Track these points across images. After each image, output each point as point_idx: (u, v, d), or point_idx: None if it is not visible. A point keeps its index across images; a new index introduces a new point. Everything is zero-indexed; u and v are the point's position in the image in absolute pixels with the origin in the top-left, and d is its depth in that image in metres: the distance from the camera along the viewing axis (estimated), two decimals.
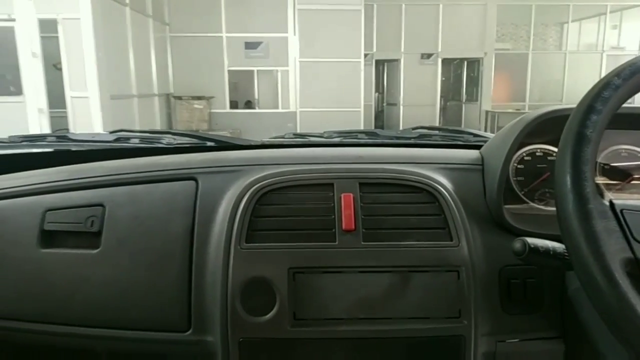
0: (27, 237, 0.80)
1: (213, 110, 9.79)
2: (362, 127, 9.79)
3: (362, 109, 9.87)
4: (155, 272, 0.76)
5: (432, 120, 11.77)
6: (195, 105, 9.57)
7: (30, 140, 1.18)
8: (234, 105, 10.18)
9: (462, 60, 12.61)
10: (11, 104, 6.13)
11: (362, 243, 0.74)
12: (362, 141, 1.18)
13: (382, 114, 12.71)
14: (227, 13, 9.60)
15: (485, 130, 11.59)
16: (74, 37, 6.54)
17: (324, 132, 1.29)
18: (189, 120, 9.52)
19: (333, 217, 0.75)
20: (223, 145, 1.09)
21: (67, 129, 7.17)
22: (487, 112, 11.82)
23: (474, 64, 12.45)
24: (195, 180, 0.80)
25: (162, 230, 0.78)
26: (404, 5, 11.36)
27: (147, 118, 8.59)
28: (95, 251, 0.78)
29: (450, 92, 13.22)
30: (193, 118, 9.54)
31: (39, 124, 5.87)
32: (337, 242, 0.74)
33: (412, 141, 1.19)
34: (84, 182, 0.84)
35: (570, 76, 12.23)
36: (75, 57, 6.62)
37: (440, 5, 11.39)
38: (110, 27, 7.09)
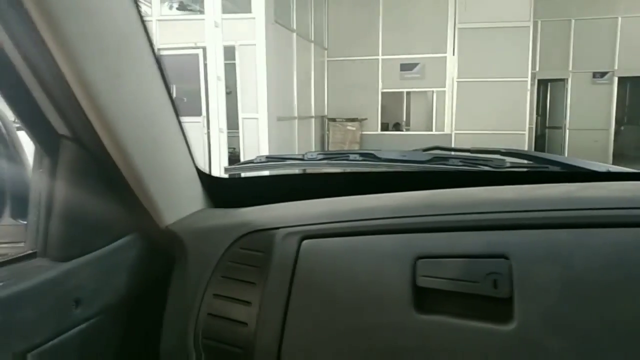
0: (396, 295, 0.60)
1: (364, 132, 9.81)
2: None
3: (526, 132, 9.11)
4: None
5: (606, 146, 10.43)
6: (348, 127, 9.69)
7: (304, 160, 1.02)
8: (384, 127, 10.12)
9: None
10: (191, 124, 6.74)
11: None
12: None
13: (542, 138, 11.63)
14: (384, 35, 9.63)
15: None
16: (248, 62, 7.01)
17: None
18: (341, 142, 9.66)
19: None
20: (574, 172, 0.85)
21: (235, 148, 7.72)
22: None
23: None
24: None
25: (618, 304, 0.52)
26: (573, 21, 10.34)
27: (304, 138, 8.89)
28: (505, 327, 0.55)
29: (628, 115, 11.64)
30: (346, 139, 9.66)
31: (219, 142, 6.33)
32: None
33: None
34: (471, 220, 0.61)
35: None
36: (248, 81, 7.09)
37: (619, 18, 10.14)
38: (280, 52, 7.49)
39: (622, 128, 11.33)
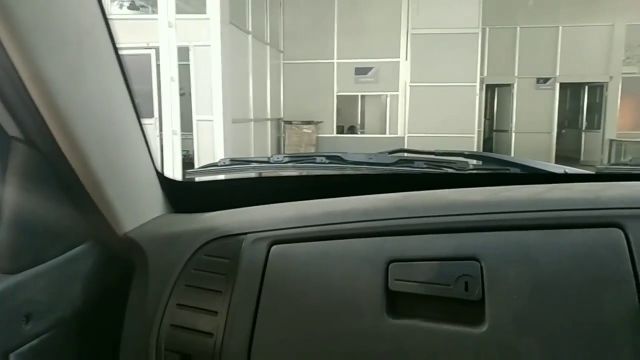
0: (368, 299, 0.59)
1: (320, 135, 9.85)
2: (477, 151, 9.33)
3: (475, 135, 9.43)
4: None
5: (549, 148, 10.97)
6: (304, 130, 9.69)
7: (267, 163, 1.00)
8: (340, 130, 10.20)
9: (582, 84, 11.71)
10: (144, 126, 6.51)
11: None
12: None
13: (490, 141, 12.08)
14: (339, 39, 9.71)
15: (610, 161, 10.58)
16: (203, 63, 6.89)
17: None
18: (297, 144, 9.65)
19: None
20: (534, 174, 0.88)
21: (188, 151, 7.54)
22: (611, 140, 10.78)
23: (596, 89, 11.50)
24: (622, 227, 0.56)
25: (586, 305, 0.53)
26: (518, 28, 10.83)
27: (260, 141, 8.81)
28: (477, 330, 0.55)
29: (568, 119, 12.29)
30: (302, 142, 9.66)
31: (172, 144, 6.17)
32: None
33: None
34: (442, 222, 0.60)
35: None
36: (202, 83, 6.96)
37: (560, 27, 10.71)
38: (235, 53, 7.39)
39: (563, 131, 11.95)
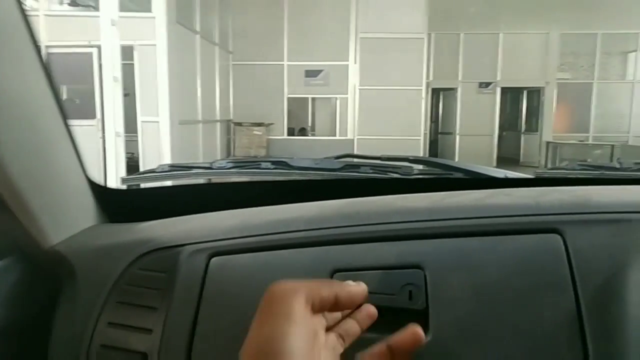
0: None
1: (271, 137, 9.79)
2: (422, 154, 9.58)
3: (422, 138, 9.68)
4: None
5: (491, 150, 11.42)
6: (255, 132, 9.60)
7: (208, 169, 0.97)
8: (291, 132, 10.18)
9: (521, 89, 12.29)
10: (85, 127, 6.25)
11: None
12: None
13: (435, 143, 12.44)
14: (289, 41, 9.69)
15: (547, 163, 11.16)
16: (148, 63, 6.68)
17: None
18: (248, 146, 9.55)
19: None
20: (476, 178, 0.89)
21: (133, 153, 7.27)
22: (548, 143, 11.38)
23: (534, 94, 12.11)
24: (560, 233, 0.56)
25: (526, 311, 0.53)
26: (462, 34, 11.23)
27: (209, 143, 8.64)
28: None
29: (508, 122, 12.86)
30: (252, 144, 9.56)
31: (115, 147, 5.94)
32: None
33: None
34: (387, 230, 0.59)
35: (638, 106, 11.71)
36: (148, 83, 6.74)
37: (501, 34, 11.20)
38: (182, 53, 7.21)
39: (504, 134, 12.49)
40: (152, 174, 0.89)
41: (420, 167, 0.95)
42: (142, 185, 0.87)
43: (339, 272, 0.57)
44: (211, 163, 0.90)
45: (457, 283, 0.55)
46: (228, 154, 9.75)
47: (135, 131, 6.94)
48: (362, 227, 0.59)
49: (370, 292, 0.54)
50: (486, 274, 0.54)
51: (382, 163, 0.97)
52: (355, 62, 9.58)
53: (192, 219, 0.70)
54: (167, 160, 6.64)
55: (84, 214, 0.72)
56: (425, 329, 0.53)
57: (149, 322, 0.59)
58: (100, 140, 6.29)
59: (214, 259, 0.60)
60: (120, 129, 5.93)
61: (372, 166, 0.91)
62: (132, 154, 7.25)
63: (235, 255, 0.61)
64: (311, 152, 9.41)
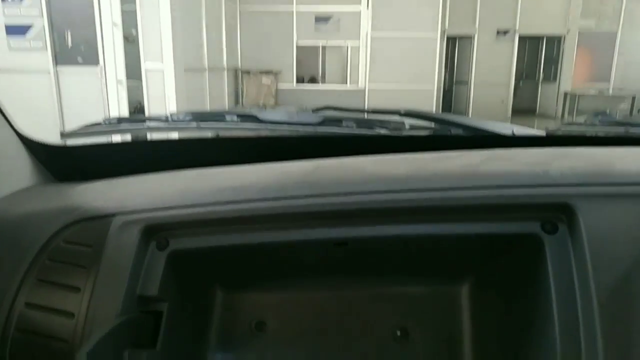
0: None
1: (280, 86, 9.57)
2: (434, 106, 9.34)
3: (435, 87, 9.39)
4: None
5: (505, 100, 11.08)
6: (263, 80, 9.38)
7: (168, 121, 0.83)
8: (300, 80, 9.93)
9: (541, 37, 11.75)
10: (85, 75, 6.09)
11: None
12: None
13: (449, 92, 12.08)
14: None
15: (564, 114, 10.81)
16: (151, 7, 6.42)
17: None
18: (256, 95, 9.36)
19: None
20: (478, 136, 0.76)
21: (140, 102, 7.14)
22: (565, 93, 10.99)
23: (554, 42, 11.58)
24: (572, 210, 0.46)
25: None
26: None
27: (217, 92, 8.46)
28: None
29: (526, 72, 12.40)
30: (261, 93, 9.37)
31: (117, 95, 5.81)
32: None
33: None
34: (354, 202, 0.50)
35: None
36: (151, 29, 6.51)
37: None
38: None
39: (521, 83, 12.07)
40: (98, 127, 0.78)
41: (414, 122, 0.82)
42: (86, 142, 0.77)
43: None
44: (168, 116, 0.79)
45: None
46: (236, 104, 9.59)
47: (141, 78, 6.78)
48: (325, 198, 0.49)
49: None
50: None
51: (369, 118, 0.85)
52: (367, 8, 9.17)
53: (129, 181, 0.59)
54: (172, 109, 6.51)
55: (9, 174, 0.61)
56: None
57: (71, 304, 0.50)
58: (105, 88, 6.15)
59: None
60: (122, 76, 5.79)
61: (357, 121, 0.79)
62: (139, 102, 7.12)
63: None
64: (322, 103, 9.19)
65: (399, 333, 0.64)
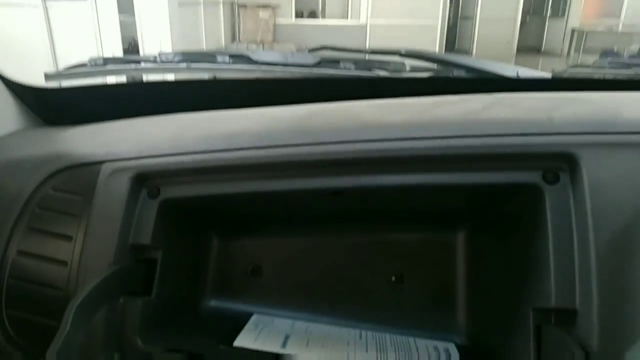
0: None
1: (278, 21, 9.25)
2: (438, 45, 9.07)
3: (439, 23, 9.08)
4: None
5: (511, 37, 10.75)
6: (261, 15, 9.04)
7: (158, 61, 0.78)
8: (299, 15, 9.57)
9: None
10: (75, 9, 5.86)
11: None
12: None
13: (453, 28, 11.69)
14: None
15: (569, 52, 10.52)
16: None
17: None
18: (253, 31, 9.06)
19: None
20: (481, 78, 0.73)
21: (134, 37, 6.91)
22: (573, 30, 10.63)
23: None
24: (575, 159, 0.44)
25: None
26: None
27: (212, 28, 8.18)
28: None
29: (533, 6, 11.93)
30: (258, 29, 9.06)
31: (110, 31, 5.63)
32: None
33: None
34: (345, 151, 0.48)
35: None
36: None
37: None
38: None
39: (528, 18, 11.66)
40: (83, 68, 0.74)
41: (415, 63, 0.78)
42: (70, 84, 0.73)
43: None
44: (156, 56, 0.75)
45: None
46: (233, 40, 9.31)
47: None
48: (318, 146, 0.47)
49: None
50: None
51: (368, 58, 0.81)
52: None
53: (117, 127, 0.57)
54: (167, 47, 6.33)
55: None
56: None
57: (63, 253, 0.50)
58: (96, 22, 5.94)
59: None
60: (114, 10, 5.57)
61: (355, 62, 0.75)
62: (134, 39, 6.90)
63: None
64: (321, 40, 8.93)
65: (394, 278, 0.64)
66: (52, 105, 0.66)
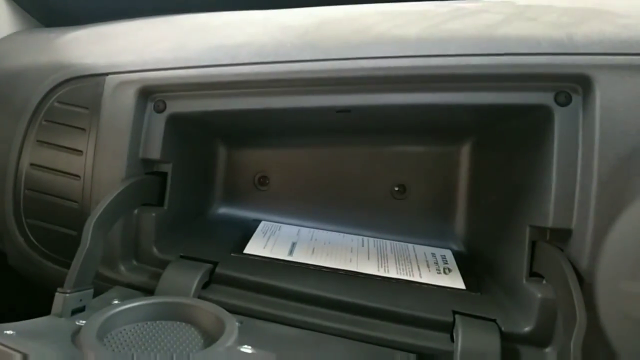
0: None
1: None
2: None
3: None
4: None
5: None
6: None
7: None
8: None
9: None
10: None
11: None
12: None
13: None
14: None
15: None
16: None
17: None
18: None
19: None
20: None
21: None
22: None
23: None
24: (590, 82, 0.42)
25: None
26: None
27: None
28: None
29: None
30: None
31: None
32: None
33: None
34: (359, 68, 0.46)
35: None
36: None
37: None
38: None
39: None
40: None
41: None
42: None
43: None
44: None
45: None
46: None
47: None
48: (323, 63, 0.46)
49: None
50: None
51: None
52: None
53: (119, 32, 0.55)
54: None
55: None
56: None
57: (74, 167, 0.51)
58: None
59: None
60: None
61: None
62: None
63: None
64: None
65: (397, 188, 0.66)
66: (46, 4, 0.62)
